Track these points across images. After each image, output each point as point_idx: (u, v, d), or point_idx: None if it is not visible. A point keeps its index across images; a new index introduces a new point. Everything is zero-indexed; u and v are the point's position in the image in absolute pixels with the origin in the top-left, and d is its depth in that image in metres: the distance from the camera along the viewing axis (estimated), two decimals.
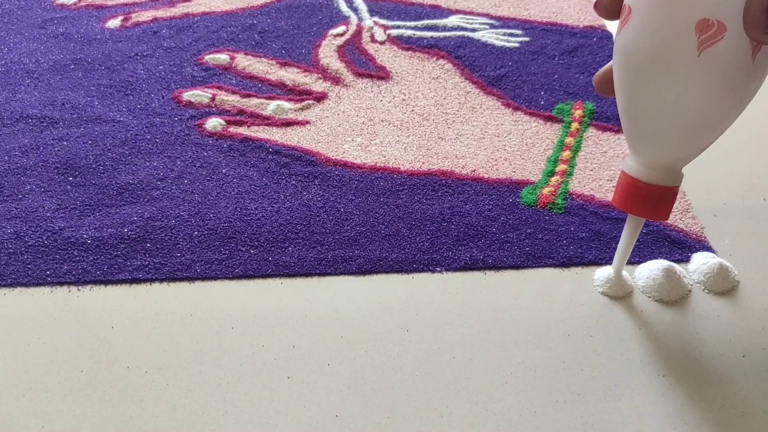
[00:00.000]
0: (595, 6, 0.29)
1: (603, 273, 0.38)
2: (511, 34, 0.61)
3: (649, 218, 0.32)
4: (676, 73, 0.27)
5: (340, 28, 0.61)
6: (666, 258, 0.39)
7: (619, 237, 0.40)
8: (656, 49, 0.27)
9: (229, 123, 0.50)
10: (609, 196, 0.43)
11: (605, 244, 0.40)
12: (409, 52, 0.58)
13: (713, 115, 0.28)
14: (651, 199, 0.31)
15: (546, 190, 0.44)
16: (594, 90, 0.54)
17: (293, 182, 0.45)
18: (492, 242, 0.40)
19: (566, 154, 0.47)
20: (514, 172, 0.46)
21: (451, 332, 0.35)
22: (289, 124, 0.50)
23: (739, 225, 0.42)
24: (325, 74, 0.55)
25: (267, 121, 0.50)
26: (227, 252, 0.39)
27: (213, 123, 0.50)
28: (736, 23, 0.24)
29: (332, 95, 0.53)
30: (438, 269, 0.39)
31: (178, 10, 0.64)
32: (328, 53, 0.58)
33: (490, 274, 0.38)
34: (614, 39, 0.29)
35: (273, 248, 0.40)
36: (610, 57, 0.58)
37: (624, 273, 0.38)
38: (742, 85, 0.27)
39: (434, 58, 0.58)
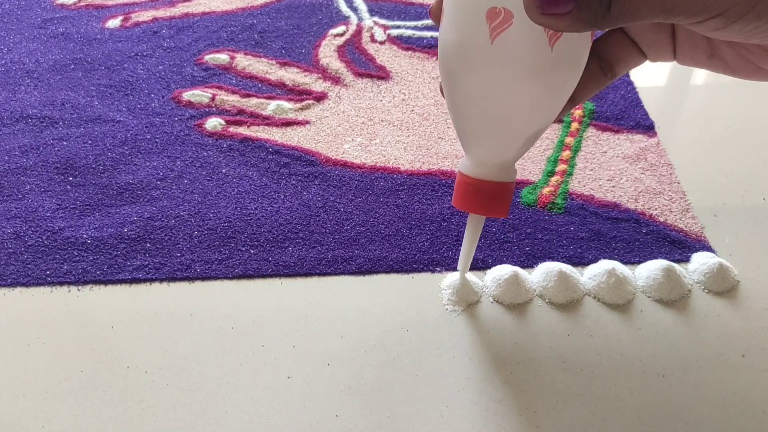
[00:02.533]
0: (430, 13, 0.30)
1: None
2: None
3: (486, 215, 0.32)
4: (476, 63, 0.27)
5: (340, 28, 0.61)
6: (666, 258, 0.39)
7: (619, 237, 0.40)
8: (457, 43, 0.28)
9: (229, 123, 0.50)
10: (609, 196, 0.43)
11: (605, 244, 0.40)
12: (409, 52, 0.58)
13: (519, 105, 0.28)
14: (481, 195, 0.31)
15: (546, 190, 0.44)
16: None
17: (293, 182, 0.45)
18: (492, 242, 0.40)
19: (566, 154, 0.47)
20: None
21: (450, 332, 0.35)
22: (289, 124, 0.50)
23: (739, 225, 0.42)
24: (325, 74, 0.55)
25: (267, 121, 0.50)
26: (227, 252, 0.39)
27: (213, 123, 0.50)
28: (521, 9, 0.25)
29: (332, 95, 0.53)
30: (438, 269, 0.39)
31: (178, 10, 0.64)
32: (328, 53, 0.58)
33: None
34: None
35: (273, 248, 0.40)
36: None
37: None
38: (541, 73, 0.27)
39: (434, 58, 0.58)
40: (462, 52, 0.28)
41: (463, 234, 0.41)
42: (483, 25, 0.26)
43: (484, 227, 0.41)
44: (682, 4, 0.21)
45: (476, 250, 0.40)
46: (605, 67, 0.31)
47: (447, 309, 0.36)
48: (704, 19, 0.22)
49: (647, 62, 0.31)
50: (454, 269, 0.39)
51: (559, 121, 0.50)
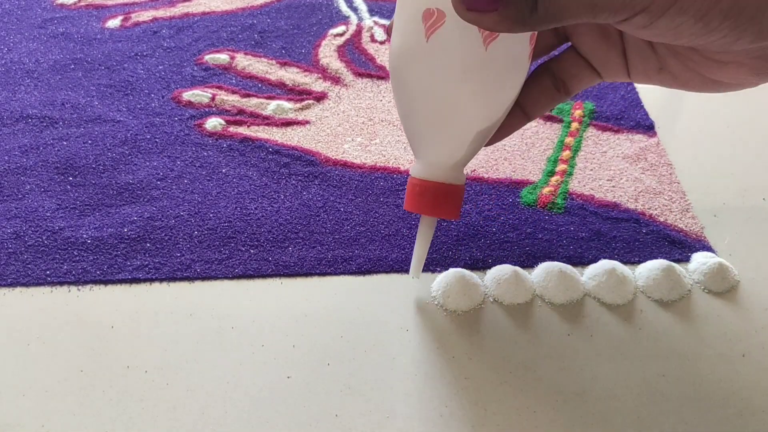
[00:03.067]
0: (386, 30, 0.31)
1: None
2: None
3: (435, 216, 0.33)
4: (414, 62, 0.28)
5: (340, 28, 0.61)
6: (666, 258, 0.39)
7: (619, 237, 0.40)
8: (399, 45, 0.29)
9: (229, 123, 0.50)
10: (609, 196, 0.43)
11: (605, 244, 0.40)
12: None
13: (456, 103, 0.29)
14: (430, 196, 0.32)
15: (546, 190, 0.44)
16: (594, 90, 0.54)
17: (293, 182, 0.45)
18: (492, 242, 0.40)
19: (566, 153, 0.47)
20: (514, 171, 0.46)
21: (450, 332, 0.35)
22: (289, 124, 0.50)
23: (739, 225, 0.42)
24: (325, 74, 0.55)
25: (267, 121, 0.50)
26: (227, 252, 0.39)
27: (213, 123, 0.50)
28: (452, 9, 0.26)
29: (332, 95, 0.53)
30: (438, 269, 0.39)
31: (178, 10, 0.64)
32: (328, 53, 0.58)
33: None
34: None
35: (273, 248, 0.40)
36: None
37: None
38: (475, 71, 0.28)
39: None
40: (403, 53, 0.29)
41: (462, 234, 0.41)
42: (420, 26, 0.27)
43: (483, 227, 0.41)
44: (605, 1, 0.21)
45: (476, 249, 0.40)
46: (558, 84, 0.32)
47: (436, 304, 0.36)
48: (629, 16, 0.22)
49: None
50: (456, 267, 0.38)
51: (559, 120, 0.50)
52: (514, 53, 0.28)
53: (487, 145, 0.34)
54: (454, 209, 0.32)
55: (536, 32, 0.30)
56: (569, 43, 0.32)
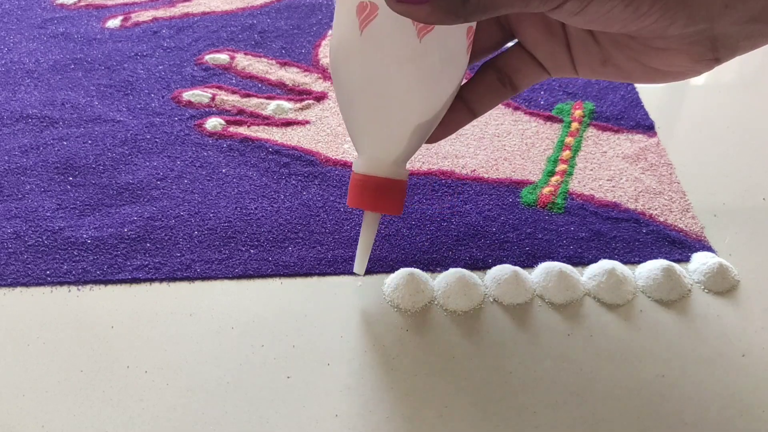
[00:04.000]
0: None
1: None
2: None
3: (377, 211, 0.33)
4: (350, 55, 0.29)
5: None
6: (666, 258, 0.39)
7: (619, 237, 0.40)
8: (336, 39, 0.29)
9: (229, 123, 0.50)
10: (609, 196, 0.43)
11: (605, 244, 0.40)
12: None
13: (392, 95, 0.29)
14: (371, 191, 0.31)
15: (546, 190, 0.44)
16: (594, 90, 0.54)
17: (293, 182, 0.45)
18: (492, 242, 0.40)
19: (566, 153, 0.47)
20: (514, 171, 0.46)
21: (450, 332, 0.35)
22: (289, 124, 0.50)
23: (739, 225, 0.42)
24: (325, 74, 0.55)
25: (267, 121, 0.50)
26: (227, 252, 0.39)
27: (213, 123, 0.50)
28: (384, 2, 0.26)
29: (332, 95, 0.53)
30: (438, 269, 0.39)
31: (178, 10, 0.64)
32: (328, 53, 0.58)
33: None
34: None
35: (273, 248, 0.40)
36: None
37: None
38: (409, 63, 0.28)
39: None
40: (339, 47, 0.29)
41: (462, 234, 0.41)
42: (354, 20, 0.28)
43: (483, 227, 0.41)
44: None
45: (476, 249, 0.40)
46: (504, 79, 0.32)
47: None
48: (560, 3, 0.22)
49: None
50: (455, 267, 0.38)
51: (559, 120, 0.50)
52: (450, 46, 0.28)
53: (432, 142, 0.34)
54: (397, 204, 0.32)
55: (474, 26, 0.30)
56: (516, 40, 0.32)
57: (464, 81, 0.32)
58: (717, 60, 0.25)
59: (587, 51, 0.29)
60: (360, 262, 0.35)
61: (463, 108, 0.32)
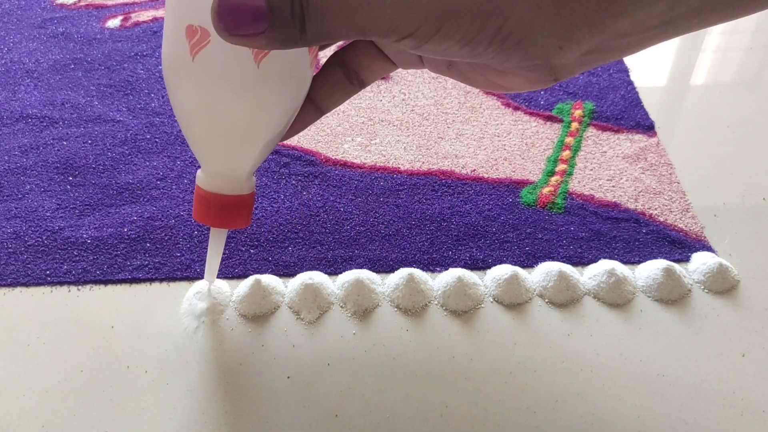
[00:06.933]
0: None
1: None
2: None
3: (222, 227, 0.31)
4: (182, 78, 0.27)
5: None
6: (666, 258, 0.39)
7: (619, 237, 0.40)
8: (166, 54, 0.27)
9: None
10: (609, 196, 0.43)
11: (605, 244, 0.40)
12: None
13: (231, 121, 0.27)
14: (215, 208, 0.30)
15: (546, 190, 0.44)
16: (594, 90, 0.54)
17: (293, 182, 0.45)
18: (492, 242, 0.40)
19: (566, 153, 0.47)
20: (514, 171, 0.46)
21: (450, 332, 0.35)
22: None
23: (739, 225, 0.42)
24: None
25: None
26: (227, 252, 0.39)
27: None
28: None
29: None
30: (438, 269, 0.39)
31: None
32: (327, 53, 0.58)
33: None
34: None
35: (273, 248, 0.40)
36: None
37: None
38: (248, 90, 0.26)
39: None
40: (170, 65, 0.27)
41: (462, 234, 0.41)
42: (184, 42, 0.26)
43: (483, 227, 0.41)
44: (372, 24, 0.21)
45: (476, 249, 0.40)
46: (351, 75, 0.31)
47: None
48: (398, 39, 0.22)
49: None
50: (455, 267, 0.38)
51: (559, 120, 0.50)
52: (291, 65, 0.27)
53: (278, 142, 0.32)
54: (243, 219, 0.31)
55: None
56: None
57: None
58: (556, 80, 0.26)
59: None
60: (210, 272, 0.34)
61: (310, 107, 0.31)
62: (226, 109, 0.27)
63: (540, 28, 0.22)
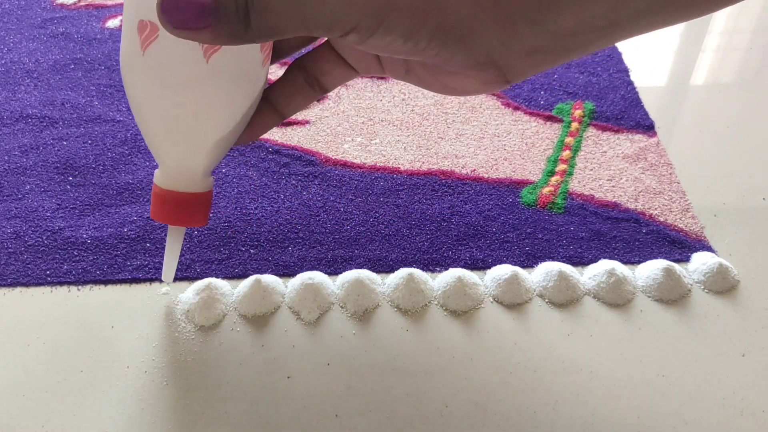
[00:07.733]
0: None
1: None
2: None
3: (179, 225, 0.31)
4: (134, 73, 0.27)
5: None
6: (666, 258, 0.39)
7: (619, 237, 0.40)
8: (122, 50, 0.28)
9: None
10: (609, 196, 0.43)
11: (605, 244, 0.40)
12: None
13: (182, 115, 0.28)
14: (170, 206, 0.30)
15: (546, 190, 0.44)
16: (594, 90, 0.54)
17: (293, 182, 0.45)
18: (492, 242, 0.40)
19: (566, 153, 0.47)
20: (514, 171, 0.46)
21: (450, 332, 0.35)
22: (288, 123, 0.50)
23: (739, 225, 0.42)
24: None
25: None
26: (227, 252, 0.39)
27: None
28: None
29: (332, 95, 0.53)
30: (438, 269, 0.39)
31: None
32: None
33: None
34: None
35: (273, 248, 0.40)
36: (609, 56, 0.58)
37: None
38: (196, 84, 0.27)
39: None
40: (124, 60, 0.28)
41: (462, 234, 0.41)
42: (136, 37, 0.26)
43: (483, 227, 0.41)
44: (316, 19, 0.21)
45: (476, 249, 0.40)
46: (311, 80, 0.31)
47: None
48: (342, 34, 0.22)
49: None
50: (455, 267, 0.38)
51: (559, 120, 0.50)
52: (241, 62, 0.27)
53: (240, 144, 0.33)
54: (200, 217, 0.31)
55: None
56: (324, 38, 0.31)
57: (271, 83, 0.31)
58: (508, 82, 0.26)
59: (392, 60, 0.29)
60: (168, 271, 0.34)
61: (270, 111, 0.32)
62: (175, 103, 0.27)
63: (480, 24, 0.22)
